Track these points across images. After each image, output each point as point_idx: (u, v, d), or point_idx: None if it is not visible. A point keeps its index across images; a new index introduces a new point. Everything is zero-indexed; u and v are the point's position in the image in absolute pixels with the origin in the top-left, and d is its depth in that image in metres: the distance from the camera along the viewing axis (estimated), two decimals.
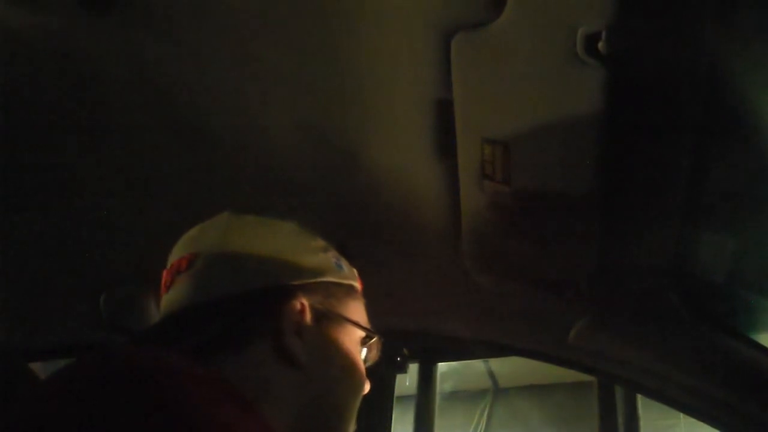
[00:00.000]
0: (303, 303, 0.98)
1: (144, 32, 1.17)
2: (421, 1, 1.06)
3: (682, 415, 1.64)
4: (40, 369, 1.95)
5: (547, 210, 1.31)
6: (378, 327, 1.10)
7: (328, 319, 1.01)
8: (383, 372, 1.99)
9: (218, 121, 1.33)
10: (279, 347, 0.94)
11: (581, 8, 0.97)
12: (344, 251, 1.13)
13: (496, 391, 8.25)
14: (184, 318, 0.97)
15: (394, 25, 1.11)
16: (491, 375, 8.01)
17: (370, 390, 1.07)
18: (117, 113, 1.33)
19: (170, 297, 1.01)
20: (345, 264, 1.10)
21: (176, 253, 1.05)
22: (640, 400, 1.86)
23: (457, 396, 7.76)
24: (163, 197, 1.51)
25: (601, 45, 0.99)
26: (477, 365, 7.43)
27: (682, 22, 0.99)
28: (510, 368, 7.60)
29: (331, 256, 1.08)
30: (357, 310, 1.08)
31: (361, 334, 1.06)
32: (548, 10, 1.00)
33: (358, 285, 1.11)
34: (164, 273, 1.05)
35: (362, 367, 1.05)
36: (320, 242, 1.09)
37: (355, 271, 1.12)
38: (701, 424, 1.56)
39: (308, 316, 0.98)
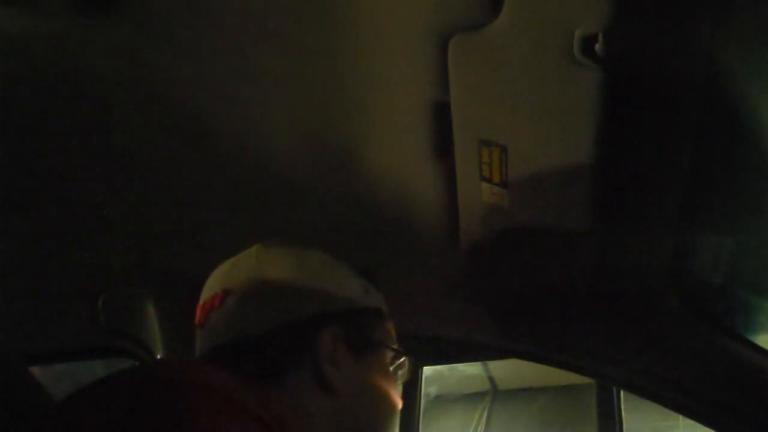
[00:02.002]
0: (336, 331, 1.00)
1: (142, 34, 1.18)
2: (419, 3, 1.06)
3: (681, 416, 1.63)
4: (39, 372, 1.96)
5: (545, 211, 1.31)
6: None
7: (362, 345, 1.04)
8: None
9: (216, 122, 1.33)
10: (317, 377, 0.97)
11: (578, 10, 0.97)
12: (370, 276, 1.15)
13: (495, 394, 8.25)
14: (218, 356, 0.99)
15: (392, 27, 1.11)
16: (490, 377, 8.01)
17: None
18: (115, 115, 1.33)
19: (204, 334, 1.03)
20: (372, 289, 1.12)
21: (208, 290, 1.07)
22: (640, 402, 1.86)
23: (455, 398, 7.76)
24: (162, 199, 1.51)
25: (598, 47, 0.99)
26: (475, 367, 7.43)
27: (679, 23, 0.99)
28: (509, 371, 7.59)
29: (359, 283, 1.10)
30: (386, 333, 1.10)
31: (391, 355, 1.09)
32: (545, 12, 1.00)
33: (385, 308, 1.13)
34: (198, 309, 1.07)
35: (395, 389, 1.07)
36: (348, 270, 1.11)
37: (381, 295, 1.14)
38: (700, 426, 1.56)
39: (342, 345, 1.00)
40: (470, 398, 8.10)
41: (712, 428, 1.52)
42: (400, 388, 1.12)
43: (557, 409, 7.37)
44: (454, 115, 1.21)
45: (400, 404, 1.07)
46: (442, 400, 7.49)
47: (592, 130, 1.11)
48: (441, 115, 1.23)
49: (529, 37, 1.03)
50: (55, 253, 1.65)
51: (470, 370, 7.43)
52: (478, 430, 8.03)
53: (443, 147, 1.28)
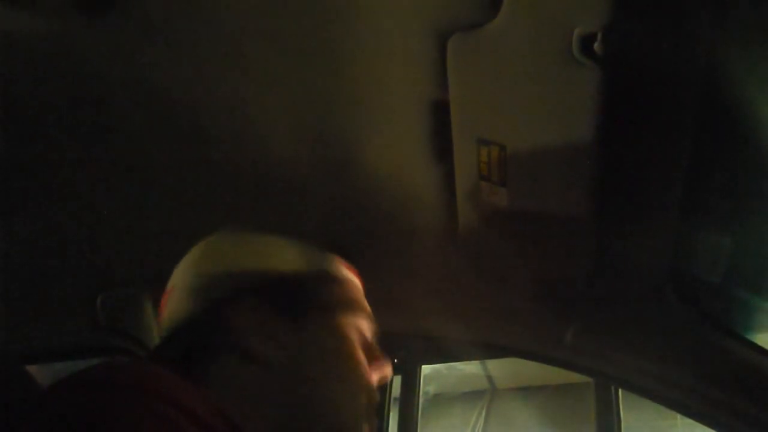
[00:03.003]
0: (258, 302, 0.98)
1: (140, 34, 1.18)
2: (418, 3, 1.06)
3: (679, 415, 1.63)
4: (36, 372, 1.95)
5: (544, 211, 1.31)
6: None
7: (297, 311, 1.00)
8: None
9: (215, 122, 1.33)
10: (245, 352, 0.94)
11: (577, 9, 0.97)
12: (340, 250, 1.12)
13: (493, 392, 8.26)
14: (159, 354, 0.99)
15: (391, 26, 1.11)
16: (488, 376, 8.02)
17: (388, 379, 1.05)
18: (113, 115, 1.33)
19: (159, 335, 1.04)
20: (322, 254, 1.09)
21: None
22: (639, 400, 1.85)
23: (454, 397, 7.77)
24: (161, 199, 1.51)
25: (596, 46, 0.99)
26: (473, 366, 7.44)
27: (678, 21, 0.99)
28: (507, 369, 7.61)
29: (299, 250, 1.07)
30: (341, 297, 1.06)
31: (356, 321, 1.05)
32: (544, 11, 1.00)
33: (341, 274, 1.09)
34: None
35: (356, 354, 1.01)
36: (282, 242, 1.08)
37: (339, 261, 1.11)
38: (699, 424, 1.56)
39: (271, 314, 0.98)
40: (469, 397, 8.11)
41: (711, 427, 1.53)
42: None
43: (555, 408, 7.38)
44: (453, 114, 1.21)
45: (362, 368, 1.01)
46: (440, 399, 7.50)
47: (591, 129, 1.11)
48: (440, 114, 1.23)
49: (528, 36, 1.03)
50: (54, 253, 1.64)
51: (469, 368, 7.44)
52: (477, 428, 8.04)
53: (442, 146, 1.28)
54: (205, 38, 1.18)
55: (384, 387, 2.00)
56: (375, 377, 1.04)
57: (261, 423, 0.89)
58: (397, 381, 2.06)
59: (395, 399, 2.03)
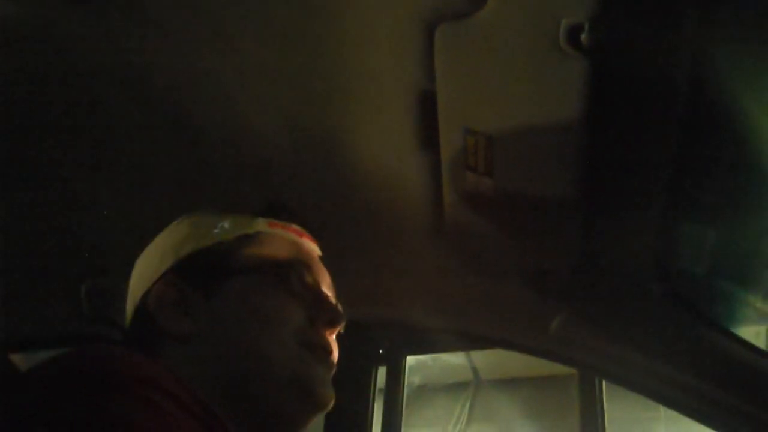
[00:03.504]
0: (169, 280, 1.01)
1: (126, 21, 1.17)
2: None
3: (663, 407, 1.64)
4: (21, 360, 1.94)
5: (530, 202, 1.31)
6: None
7: (213, 280, 1.01)
8: (362, 364, 1.99)
9: (201, 110, 1.32)
10: (162, 332, 0.97)
11: (564, 0, 0.97)
12: (277, 209, 1.14)
13: (478, 384, 8.27)
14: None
15: (378, 16, 1.11)
16: (473, 367, 8.04)
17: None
18: (98, 103, 1.32)
19: None
20: (231, 220, 1.09)
21: None
22: (622, 392, 1.86)
23: (438, 388, 7.78)
24: (147, 187, 1.50)
25: (583, 37, 0.99)
26: (458, 357, 7.45)
27: (665, 13, 0.99)
28: (492, 361, 7.62)
29: (202, 224, 1.08)
30: (257, 253, 1.05)
31: (289, 279, 1.04)
32: (532, 2, 1.00)
33: (255, 230, 1.09)
34: None
35: (280, 304, 1.01)
36: (214, 218, 1.09)
37: (256, 220, 1.10)
38: (682, 416, 1.57)
39: (184, 288, 1.00)
40: (453, 388, 8.12)
41: (694, 419, 1.53)
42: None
43: (540, 400, 7.40)
44: (440, 103, 1.21)
45: (289, 317, 1.01)
46: (425, 390, 7.50)
47: (578, 120, 1.11)
48: (426, 104, 1.23)
49: (515, 26, 1.03)
50: (38, 241, 1.64)
51: (453, 360, 7.44)
52: (461, 419, 8.06)
53: (429, 136, 1.28)
54: (194, 28, 1.17)
55: (369, 377, 2.00)
56: (321, 323, 1.04)
57: (208, 392, 0.88)
58: (382, 372, 2.06)
59: (380, 390, 2.04)
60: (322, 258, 1.15)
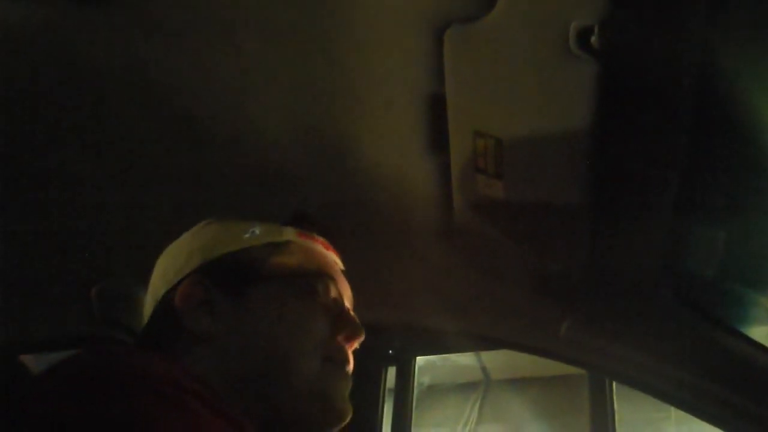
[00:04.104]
0: (198, 281, 1.01)
1: (135, 26, 1.17)
2: None
3: (673, 408, 1.64)
4: (31, 361, 1.95)
5: (539, 204, 1.31)
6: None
7: (241, 282, 1.02)
8: (372, 364, 1.99)
9: (210, 116, 1.33)
10: (187, 332, 0.97)
11: (574, 2, 0.97)
12: (304, 220, 1.14)
13: (488, 384, 8.27)
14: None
15: (387, 19, 1.11)
16: (483, 367, 8.03)
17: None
18: (109, 106, 1.32)
19: None
20: (261, 227, 1.09)
21: None
22: (633, 393, 1.86)
23: (448, 388, 7.78)
24: (156, 191, 1.51)
25: (593, 39, 0.99)
26: (468, 358, 7.44)
27: (675, 15, 0.99)
28: (501, 361, 7.61)
29: (233, 228, 1.08)
30: (285, 262, 1.06)
31: (310, 282, 1.05)
32: (541, 4, 1.00)
33: (285, 239, 1.09)
34: None
35: (305, 315, 1.02)
36: (216, 224, 1.10)
37: (285, 228, 1.11)
38: (692, 417, 1.57)
39: (212, 290, 1.00)
40: (463, 388, 8.12)
41: (704, 420, 1.53)
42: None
43: (550, 399, 7.39)
44: (450, 106, 1.21)
45: (313, 329, 1.01)
46: (434, 390, 7.50)
47: (587, 123, 1.11)
48: (436, 107, 1.23)
49: (524, 28, 1.03)
50: (50, 243, 1.64)
51: (463, 360, 7.44)
52: (471, 420, 8.06)
53: (438, 138, 1.28)
54: (201, 29, 1.17)
55: (379, 377, 2.01)
56: (342, 336, 1.04)
57: (227, 394, 0.89)
58: (392, 372, 2.06)
59: (390, 390, 2.04)
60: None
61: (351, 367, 1.06)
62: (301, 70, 1.22)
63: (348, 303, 1.11)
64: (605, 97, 1.06)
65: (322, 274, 1.07)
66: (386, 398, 2.02)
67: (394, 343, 2.04)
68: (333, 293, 1.07)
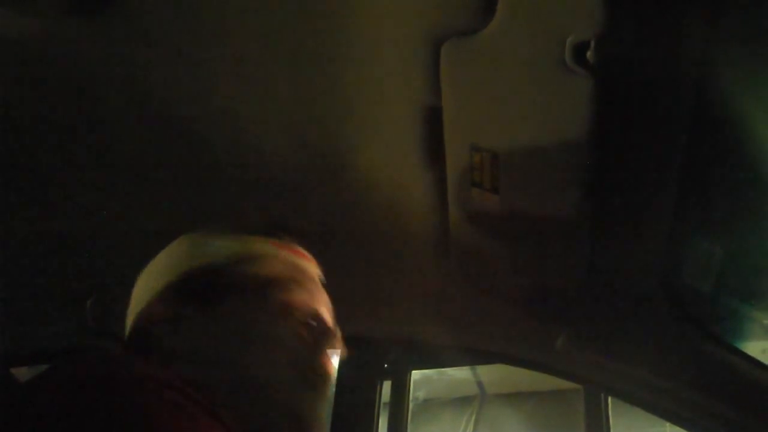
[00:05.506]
0: (168, 299, 0.99)
1: (134, 35, 1.17)
2: (412, 9, 1.06)
3: (668, 423, 1.64)
4: (24, 375, 1.94)
5: (536, 218, 1.31)
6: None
7: (206, 298, 0.99)
8: (367, 378, 1.98)
9: (209, 125, 1.32)
10: (162, 348, 0.95)
11: (570, 17, 0.97)
12: (279, 230, 1.12)
13: (483, 398, 8.25)
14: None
15: (385, 32, 1.11)
16: (478, 382, 8.02)
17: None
18: (106, 117, 1.32)
19: None
20: (254, 244, 1.08)
21: None
22: (628, 407, 1.86)
23: (444, 402, 7.77)
24: (152, 201, 1.50)
25: (589, 54, 0.99)
26: (463, 372, 7.43)
27: (670, 31, 0.99)
28: (497, 375, 7.60)
29: (203, 243, 1.08)
30: (269, 283, 1.03)
31: (291, 302, 1.02)
32: (538, 19, 1.00)
33: (258, 252, 1.07)
34: None
35: (281, 335, 0.99)
36: (216, 238, 1.08)
37: (276, 247, 1.09)
38: None
39: (179, 307, 0.98)
40: (459, 402, 8.11)
41: None
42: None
43: (545, 414, 7.38)
44: (446, 120, 1.21)
45: (284, 338, 0.98)
46: (430, 404, 7.49)
47: (584, 137, 1.11)
48: (433, 120, 1.23)
49: (521, 43, 1.03)
50: (44, 255, 1.64)
51: (459, 374, 7.43)
52: None
53: (435, 152, 1.28)
54: (199, 41, 1.17)
55: (374, 391, 2.00)
56: (320, 348, 1.01)
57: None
58: (388, 386, 2.05)
59: (385, 404, 2.03)
60: (326, 276, 1.13)
61: (330, 383, 1.02)
62: (298, 83, 1.22)
63: (327, 315, 1.07)
64: (601, 112, 1.06)
65: (292, 283, 1.04)
66: (381, 412, 2.01)
67: (389, 357, 2.03)
68: (306, 302, 1.04)
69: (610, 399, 2.06)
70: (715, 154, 1.23)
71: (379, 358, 2.02)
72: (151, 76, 1.24)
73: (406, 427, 2.06)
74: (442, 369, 5.82)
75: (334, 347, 1.04)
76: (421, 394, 7.12)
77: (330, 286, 1.13)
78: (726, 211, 1.35)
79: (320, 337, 1.02)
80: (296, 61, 1.19)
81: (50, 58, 1.20)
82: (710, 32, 1.02)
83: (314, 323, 1.03)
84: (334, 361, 1.04)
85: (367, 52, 1.15)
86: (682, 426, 1.57)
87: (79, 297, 1.75)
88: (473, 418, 8.14)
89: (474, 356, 1.89)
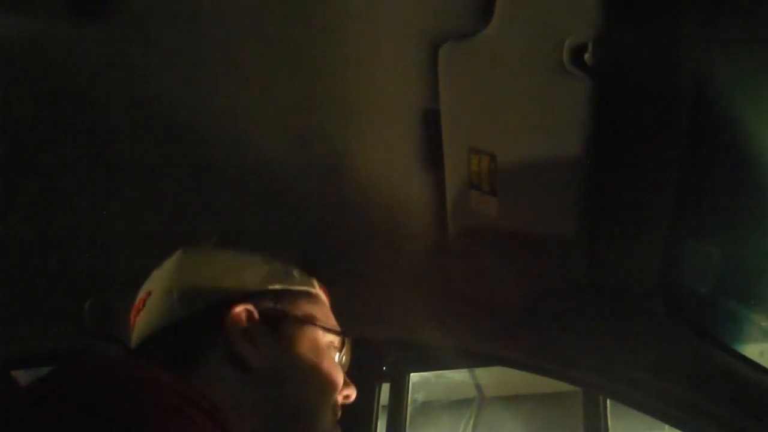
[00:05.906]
0: (248, 309, 1.03)
1: (132, 38, 1.17)
2: (410, 11, 1.06)
3: (668, 426, 1.64)
4: (22, 377, 1.94)
5: (534, 219, 1.31)
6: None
7: (279, 321, 1.05)
8: (366, 381, 1.98)
9: (206, 128, 1.33)
10: (230, 354, 0.99)
11: (568, 20, 0.97)
12: (304, 263, 1.17)
13: (482, 400, 8.24)
14: (139, 352, 1.04)
15: (382, 35, 1.11)
16: (477, 384, 8.01)
17: (353, 400, 1.09)
18: (104, 119, 1.32)
19: (133, 336, 1.08)
20: (298, 272, 1.14)
21: (138, 294, 1.11)
22: (627, 410, 1.86)
23: (442, 405, 7.75)
24: (149, 204, 1.50)
25: (587, 56, 0.99)
26: (462, 374, 7.43)
27: (668, 33, 0.99)
28: (495, 378, 7.60)
29: (277, 267, 1.12)
30: (316, 313, 1.10)
31: (329, 337, 1.10)
32: (535, 22, 1.00)
33: (315, 291, 1.14)
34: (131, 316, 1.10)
35: (329, 367, 1.06)
36: (261, 258, 1.13)
37: (313, 279, 1.15)
38: None
39: (257, 321, 1.03)
40: (457, 405, 8.09)
41: None
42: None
43: (544, 417, 7.37)
44: (444, 122, 1.21)
45: (335, 382, 1.07)
46: (428, 407, 7.47)
47: (582, 139, 1.11)
48: (431, 123, 1.23)
49: (519, 45, 1.04)
50: (42, 257, 1.64)
51: (457, 376, 7.42)
52: None
53: (433, 154, 1.29)
54: (198, 44, 1.18)
55: (372, 393, 2.00)
56: (343, 395, 1.10)
57: (239, 422, 0.93)
58: (386, 389, 2.05)
59: (383, 407, 2.03)
60: (324, 279, 1.19)
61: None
62: (296, 86, 1.23)
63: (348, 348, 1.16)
64: (599, 114, 1.07)
65: (334, 328, 1.12)
66: (380, 415, 2.01)
67: (387, 360, 2.03)
68: (348, 352, 1.13)
69: (608, 401, 2.06)
70: (714, 156, 1.23)
71: (377, 361, 2.02)
72: (151, 77, 1.24)
73: (405, 429, 2.06)
74: (441, 371, 5.82)
75: (352, 397, 1.12)
76: (420, 397, 7.11)
77: (328, 289, 1.16)
78: (724, 213, 1.35)
79: (346, 384, 1.10)
80: (295, 64, 1.19)
81: (50, 59, 1.20)
82: (708, 34, 1.02)
83: (343, 358, 1.13)
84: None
85: (366, 54, 1.15)
86: (680, 428, 1.57)
87: (76, 299, 1.75)
88: (471, 420, 8.12)
89: (472, 358, 1.89)
